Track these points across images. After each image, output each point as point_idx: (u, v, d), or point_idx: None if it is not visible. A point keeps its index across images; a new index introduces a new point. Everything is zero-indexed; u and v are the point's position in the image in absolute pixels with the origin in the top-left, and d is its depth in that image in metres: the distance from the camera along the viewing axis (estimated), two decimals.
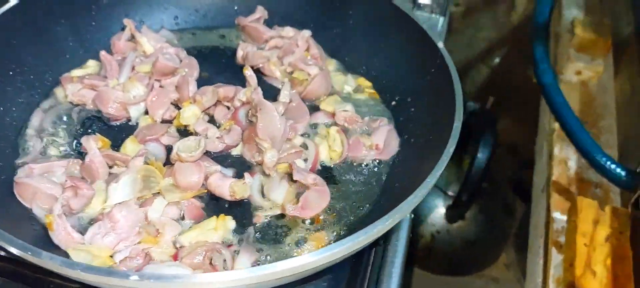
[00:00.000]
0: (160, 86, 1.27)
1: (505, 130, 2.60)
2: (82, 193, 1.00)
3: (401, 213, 0.88)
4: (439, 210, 2.46)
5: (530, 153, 2.04)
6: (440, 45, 1.21)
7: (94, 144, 1.07)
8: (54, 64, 1.31)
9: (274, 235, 1.05)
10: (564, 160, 1.66)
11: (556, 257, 1.42)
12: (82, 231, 0.99)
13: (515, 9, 2.53)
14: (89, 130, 1.22)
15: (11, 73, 1.21)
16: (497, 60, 2.69)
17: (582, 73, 1.86)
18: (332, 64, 1.44)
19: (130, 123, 1.24)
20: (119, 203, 0.99)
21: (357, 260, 1.11)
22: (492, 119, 2.44)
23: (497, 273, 2.58)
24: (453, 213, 2.43)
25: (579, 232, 1.34)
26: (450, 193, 2.47)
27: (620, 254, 1.28)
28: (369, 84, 1.38)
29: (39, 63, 1.29)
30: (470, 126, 2.62)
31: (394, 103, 1.32)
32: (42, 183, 1.00)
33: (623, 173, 1.33)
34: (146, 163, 1.08)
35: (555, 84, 1.60)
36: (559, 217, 1.52)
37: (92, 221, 1.02)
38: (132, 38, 1.39)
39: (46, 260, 0.77)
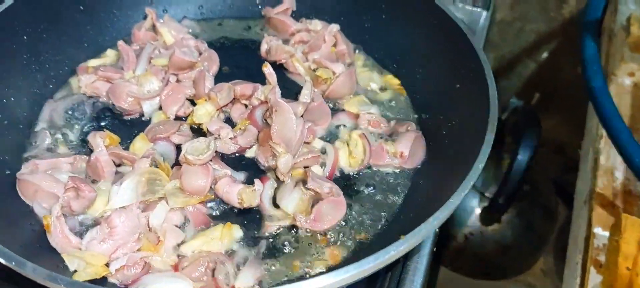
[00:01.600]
0: (178, 80, 1.22)
1: (551, 129, 2.47)
2: (84, 195, 0.95)
3: (419, 236, 0.81)
4: (474, 211, 2.35)
5: (577, 155, 1.92)
6: (477, 45, 1.11)
7: (100, 140, 1.02)
8: (72, 53, 1.28)
9: (283, 248, 0.98)
10: (610, 169, 1.54)
11: (595, 278, 1.31)
12: (84, 234, 0.94)
13: (567, 1, 2.38)
14: (101, 125, 1.17)
15: (25, 62, 1.18)
16: (545, 55, 2.56)
17: (635, 75, 1.72)
18: (360, 60, 1.35)
19: (143, 118, 1.19)
20: (120, 208, 0.93)
21: (373, 275, 1.03)
22: (535, 117, 2.31)
23: (533, 280, 2.47)
24: (489, 216, 2.31)
25: (621, 254, 1.23)
26: (487, 194, 2.35)
27: None
28: (397, 81, 1.29)
29: (56, 52, 1.25)
30: (512, 124, 2.50)
31: (421, 108, 1.23)
32: (44, 181, 0.96)
33: None
34: (154, 164, 1.02)
35: (605, 88, 1.47)
36: (601, 233, 1.40)
37: (95, 223, 0.98)
38: (154, 27, 1.34)
39: (30, 272, 0.73)
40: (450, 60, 1.20)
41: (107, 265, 0.89)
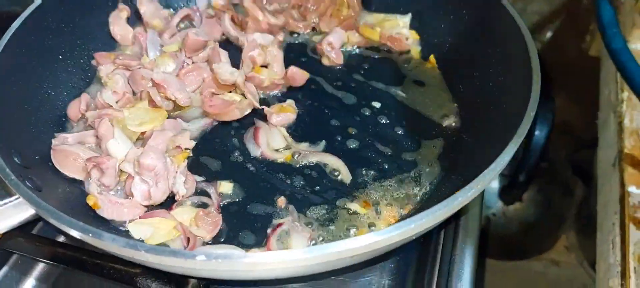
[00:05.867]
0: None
1: (558, 108, 2.49)
2: (105, 166, 0.94)
3: (484, 181, 0.81)
4: (495, 192, 2.35)
5: (587, 132, 1.93)
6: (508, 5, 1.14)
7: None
8: (103, 48, 1.28)
9: (328, 217, 1.01)
10: (635, 131, 1.55)
11: (635, 234, 1.32)
12: None
13: None
14: None
15: (61, 57, 1.19)
16: (548, 34, 2.57)
17: None
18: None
19: None
20: (140, 154, 0.94)
21: (426, 238, 1.04)
22: (549, 90, 2.32)
23: (557, 256, 2.46)
24: (510, 195, 2.32)
25: None
26: (505, 173, 2.36)
27: None
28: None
29: (90, 46, 1.26)
30: None
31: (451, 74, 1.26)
32: (79, 150, 0.98)
33: None
34: None
35: (626, 48, 1.48)
36: (635, 191, 1.41)
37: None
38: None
39: (108, 242, 0.72)
40: (478, 23, 1.22)
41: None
